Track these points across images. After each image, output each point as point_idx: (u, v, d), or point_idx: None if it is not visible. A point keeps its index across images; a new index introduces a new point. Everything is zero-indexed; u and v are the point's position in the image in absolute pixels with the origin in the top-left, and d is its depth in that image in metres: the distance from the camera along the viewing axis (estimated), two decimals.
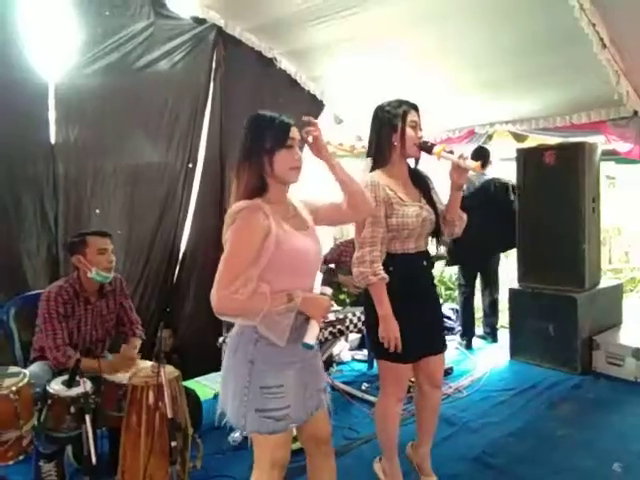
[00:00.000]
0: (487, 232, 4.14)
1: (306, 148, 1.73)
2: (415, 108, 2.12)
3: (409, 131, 2.08)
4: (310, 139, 1.68)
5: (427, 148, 2.09)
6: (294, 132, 1.63)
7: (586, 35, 3.14)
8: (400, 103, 2.11)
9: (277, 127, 1.60)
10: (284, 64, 4.14)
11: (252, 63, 3.93)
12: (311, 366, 1.72)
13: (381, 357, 2.16)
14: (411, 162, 2.22)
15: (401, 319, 2.05)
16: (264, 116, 1.65)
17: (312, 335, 1.57)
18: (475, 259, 4.66)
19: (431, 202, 2.17)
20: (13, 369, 2.11)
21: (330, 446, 1.85)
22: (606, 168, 5.44)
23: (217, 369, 3.86)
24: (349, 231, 5.38)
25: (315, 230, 1.74)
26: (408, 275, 2.11)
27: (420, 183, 2.20)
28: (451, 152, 2.05)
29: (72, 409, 2.03)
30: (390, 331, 2.02)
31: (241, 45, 3.82)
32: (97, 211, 3.23)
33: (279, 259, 1.55)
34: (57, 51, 2.98)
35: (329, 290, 1.64)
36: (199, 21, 3.58)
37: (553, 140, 4.48)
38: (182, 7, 3.49)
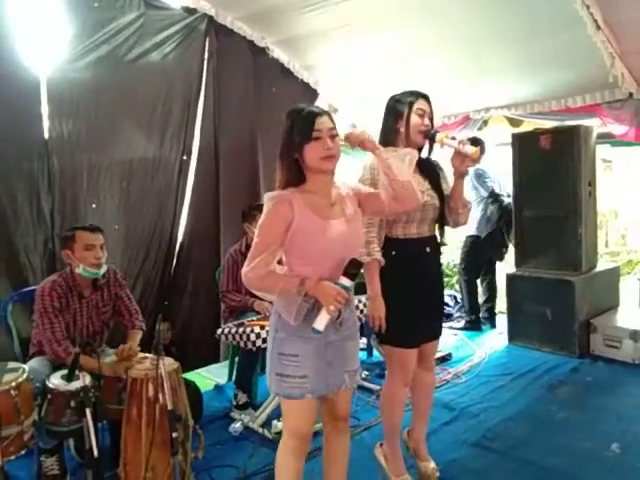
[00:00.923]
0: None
1: None
2: (425, 97, 2.13)
3: (414, 118, 2.09)
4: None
5: (430, 136, 2.10)
6: (321, 123, 1.64)
7: (580, 17, 3.12)
8: (411, 93, 2.13)
9: (303, 120, 1.65)
10: (276, 53, 4.12)
11: (244, 52, 3.91)
12: (341, 347, 1.77)
13: (387, 342, 2.17)
14: (423, 154, 2.19)
15: (406, 304, 2.07)
16: (294, 110, 1.71)
17: (320, 321, 1.61)
18: (491, 253, 4.76)
19: (438, 190, 2.17)
20: (12, 365, 2.11)
21: (346, 424, 1.93)
22: (602, 151, 5.43)
23: (216, 360, 3.92)
24: None
25: (353, 219, 1.75)
26: (412, 260, 2.12)
27: (428, 171, 2.19)
28: (453, 139, 2.06)
29: (72, 403, 2.03)
30: (376, 311, 2.05)
31: (233, 34, 3.79)
32: (93, 205, 3.23)
33: (301, 246, 1.67)
34: (47, 45, 2.96)
35: (347, 282, 1.63)
36: (190, 11, 3.56)
37: (548, 124, 4.47)
38: None
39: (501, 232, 4.64)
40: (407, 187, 1.73)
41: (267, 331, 2.26)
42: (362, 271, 2.11)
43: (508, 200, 4.54)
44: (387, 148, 1.80)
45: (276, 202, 1.66)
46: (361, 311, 3.28)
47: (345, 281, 1.63)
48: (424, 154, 2.20)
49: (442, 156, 2.25)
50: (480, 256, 4.76)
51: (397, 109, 2.11)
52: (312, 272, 1.65)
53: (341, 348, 1.77)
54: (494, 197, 4.62)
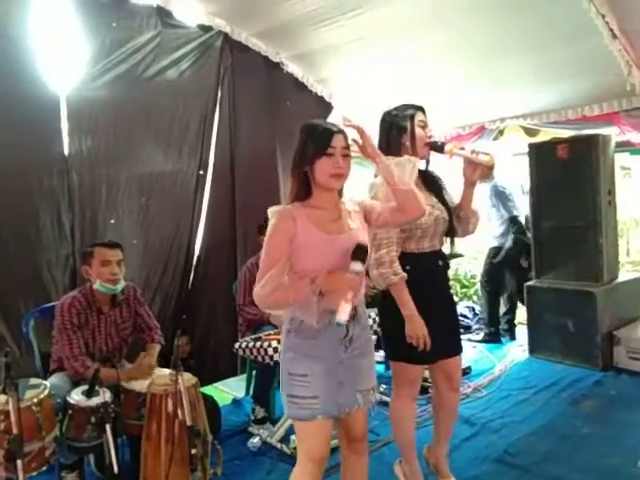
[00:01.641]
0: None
1: None
2: (422, 110, 2.14)
3: (419, 131, 2.09)
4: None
5: (438, 147, 2.09)
6: (337, 140, 1.65)
7: (596, 26, 3.11)
8: (406, 106, 2.13)
9: (319, 135, 1.66)
10: (291, 67, 4.15)
11: (259, 68, 3.96)
12: (353, 366, 1.73)
13: (395, 358, 2.15)
14: (422, 165, 2.19)
15: None
16: (310, 125, 1.72)
17: (342, 313, 1.56)
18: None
19: (443, 202, 2.16)
20: (34, 381, 2.13)
21: (364, 445, 1.88)
22: (621, 159, 5.36)
23: (234, 374, 3.91)
24: None
25: (354, 234, 1.71)
26: (424, 275, 2.10)
27: (432, 184, 2.19)
28: (462, 149, 2.05)
29: (92, 419, 2.04)
30: (418, 329, 2.00)
31: (248, 50, 3.85)
32: (112, 221, 3.26)
33: (304, 261, 1.66)
34: (67, 64, 3.03)
35: (358, 266, 1.58)
36: (205, 29, 3.61)
37: (565, 133, 4.43)
38: (188, 16, 3.53)
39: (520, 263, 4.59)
40: (409, 196, 1.70)
41: None
42: (375, 284, 2.11)
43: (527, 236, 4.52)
44: (387, 157, 1.78)
45: (278, 217, 1.66)
46: (371, 326, 3.26)
47: (355, 265, 1.58)
48: (423, 166, 2.19)
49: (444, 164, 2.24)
50: (502, 269, 4.70)
51: (399, 123, 2.10)
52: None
53: (352, 367, 1.74)
54: (516, 225, 4.57)
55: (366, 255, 1.61)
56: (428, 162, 2.22)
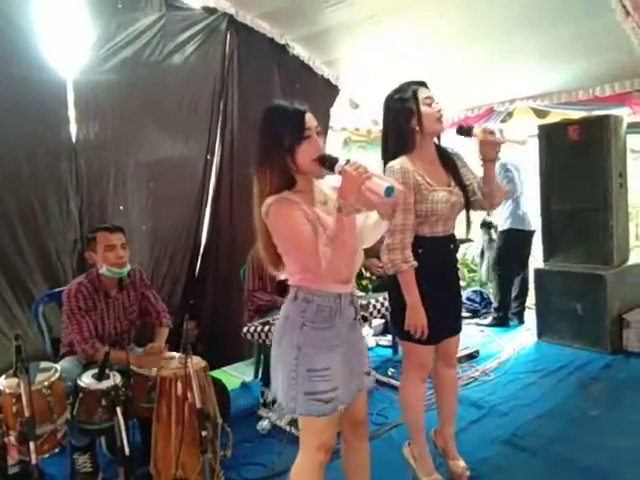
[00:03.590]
0: None
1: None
2: (423, 84, 2.07)
3: (425, 109, 2.03)
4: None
5: (466, 131, 2.05)
6: (309, 120, 1.54)
7: (608, 3, 3.03)
8: (407, 85, 2.06)
9: (291, 119, 1.53)
10: (297, 49, 4.10)
11: (265, 50, 3.90)
12: (356, 350, 1.73)
13: (405, 339, 2.14)
14: (434, 140, 2.15)
15: (428, 302, 2.04)
16: (276, 109, 1.59)
17: (379, 185, 1.38)
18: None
19: (460, 184, 2.12)
20: (45, 364, 2.15)
21: (365, 428, 1.88)
22: (632, 141, 5.26)
23: (242, 358, 3.93)
24: None
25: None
26: (436, 258, 2.10)
27: (448, 163, 2.15)
28: (492, 133, 1.99)
29: (103, 402, 2.06)
30: (419, 320, 2.02)
31: (253, 33, 3.78)
32: (121, 207, 3.25)
33: None
34: (73, 47, 2.98)
35: (337, 163, 1.45)
36: (210, 10, 3.56)
37: (576, 115, 4.36)
38: None
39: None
40: (346, 249, 1.47)
41: None
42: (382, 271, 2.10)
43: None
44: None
45: (279, 204, 1.51)
46: (378, 310, 3.26)
47: (337, 167, 1.44)
48: (435, 141, 2.15)
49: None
50: (517, 251, 4.67)
51: (404, 107, 2.03)
52: (314, 276, 1.55)
53: (357, 350, 1.73)
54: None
55: (332, 160, 1.47)
56: (439, 137, 2.17)
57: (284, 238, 1.55)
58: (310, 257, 1.49)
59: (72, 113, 3.00)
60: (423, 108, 2.02)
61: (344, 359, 1.66)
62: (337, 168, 1.45)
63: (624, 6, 3.09)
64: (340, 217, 1.44)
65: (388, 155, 2.10)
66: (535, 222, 4.56)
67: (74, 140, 3.03)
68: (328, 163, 1.50)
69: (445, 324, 2.15)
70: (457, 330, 2.29)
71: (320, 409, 1.60)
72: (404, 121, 2.04)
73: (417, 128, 2.04)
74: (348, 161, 1.44)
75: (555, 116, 4.57)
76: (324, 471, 1.70)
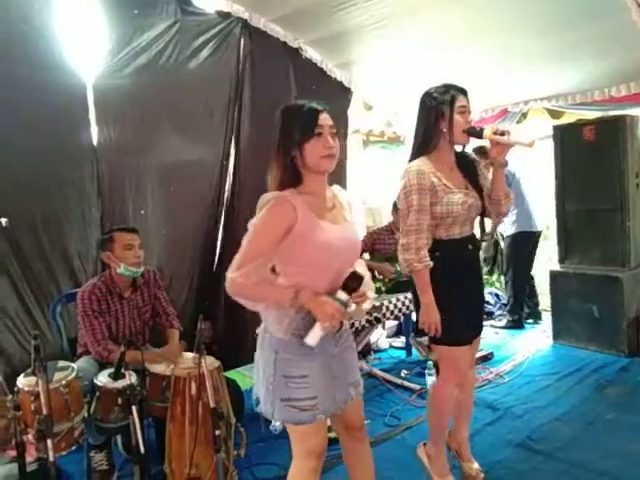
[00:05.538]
0: None
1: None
2: (463, 92, 2.07)
3: (457, 117, 2.02)
4: None
5: (476, 133, 2.04)
6: (323, 119, 1.55)
7: (624, 2, 3.00)
8: (447, 88, 2.05)
9: (304, 116, 1.54)
10: (310, 53, 4.12)
11: (280, 53, 3.93)
12: (342, 359, 1.69)
13: (438, 342, 2.13)
14: (458, 147, 2.16)
15: (453, 303, 2.04)
16: (292, 106, 1.61)
17: (313, 336, 1.50)
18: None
19: (477, 187, 2.12)
20: (62, 363, 2.19)
21: (363, 432, 1.83)
22: None
23: None
24: (382, 219, 5.34)
25: (354, 226, 1.68)
26: (455, 260, 2.09)
27: (467, 168, 2.15)
28: (502, 134, 1.99)
29: (119, 400, 2.10)
30: (432, 318, 2.03)
31: (267, 36, 3.81)
32: (142, 212, 3.27)
33: (301, 251, 1.55)
34: (92, 51, 3.02)
35: (344, 296, 1.50)
36: (224, 15, 3.59)
37: (591, 115, 4.32)
38: (206, 2, 3.51)
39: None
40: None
41: None
42: (398, 269, 2.10)
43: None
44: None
45: (276, 203, 1.53)
46: (391, 312, 3.26)
47: (342, 295, 1.50)
48: (459, 149, 2.16)
49: None
50: (527, 253, 4.64)
51: (438, 108, 2.03)
52: (309, 282, 1.54)
53: (343, 360, 1.69)
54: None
55: (359, 286, 1.52)
56: (464, 147, 2.17)
57: (250, 231, 1.56)
58: (242, 260, 1.52)
59: (92, 116, 3.02)
60: (456, 116, 2.03)
61: (326, 368, 1.62)
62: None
63: (639, 4, 3.06)
64: (288, 307, 1.52)
65: (412, 151, 2.13)
66: (540, 223, 4.56)
67: (95, 144, 3.06)
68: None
69: (471, 325, 2.18)
70: (480, 331, 2.30)
71: (297, 417, 1.57)
72: (432, 119, 2.05)
73: (445, 130, 2.04)
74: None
75: (570, 117, 4.53)
76: (319, 476, 1.68)
